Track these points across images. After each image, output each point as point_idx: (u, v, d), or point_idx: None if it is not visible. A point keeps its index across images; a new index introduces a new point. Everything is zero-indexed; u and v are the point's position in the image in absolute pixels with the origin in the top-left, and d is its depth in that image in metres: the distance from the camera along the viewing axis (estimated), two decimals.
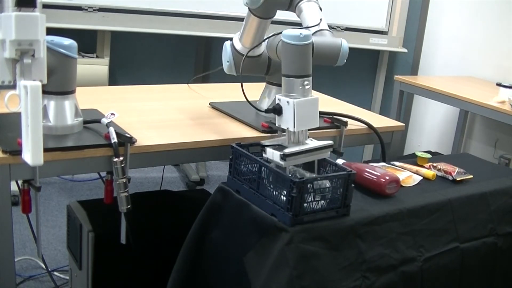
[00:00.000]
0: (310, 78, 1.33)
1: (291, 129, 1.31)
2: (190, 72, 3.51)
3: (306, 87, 1.31)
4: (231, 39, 1.77)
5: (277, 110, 1.32)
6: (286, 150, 1.28)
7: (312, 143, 1.35)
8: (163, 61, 3.48)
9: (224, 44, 1.77)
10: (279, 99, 1.32)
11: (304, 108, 1.31)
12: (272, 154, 1.29)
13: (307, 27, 1.50)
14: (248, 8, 1.64)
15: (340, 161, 1.54)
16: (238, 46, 1.73)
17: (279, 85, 1.80)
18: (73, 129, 1.44)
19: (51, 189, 3.08)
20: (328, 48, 1.53)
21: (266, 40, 1.57)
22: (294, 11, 1.62)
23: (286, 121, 1.31)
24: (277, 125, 1.35)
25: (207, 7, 3.15)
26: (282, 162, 1.27)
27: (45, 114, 1.40)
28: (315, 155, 1.35)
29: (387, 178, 1.45)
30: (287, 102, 1.30)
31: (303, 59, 1.31)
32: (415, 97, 4.03)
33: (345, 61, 1.56)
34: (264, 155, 1.33)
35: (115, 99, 1.90)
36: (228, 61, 1.73)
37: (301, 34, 1.28)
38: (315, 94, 1.64)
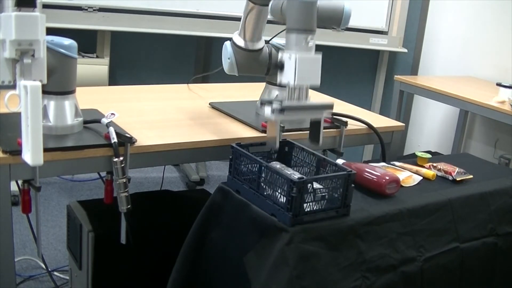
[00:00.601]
0: (314, 36, 1.33)
1: (291, 83, 1.31)
2: (190, 72, 3.51)
3: (310, 43, 1.32)
4: (231, 39, 1.77)
5: (279, 66, 1.33)
6: (285, 103, 1.28)
7: (311, 102, 1.34)
8: (163, 61, 3.49)
9: (224, 44, 1.77)
10: (281, 55, 1.33)
11: (306, 63, 1.31)
12: (270, 108, 1.28)
13: None
14: None
15: (340, 161, 1.54)
16: (239, 41, 1.71)
17: (279, 85, 1.81)
18: (73, 129, 1.44)
19: (51, 189, 3.08)
20: (331, 10, 1.54)
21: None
22: None
23: (287, 76, 1.31)
24: (278, 82, 1.35)
25: (207, 7, 3.15)
26: (280, 116, 1.27)
27: (45, 114, 1.40)
28: (314, 113, 1.36)
29: (387, 178, 1.45)
30: (289, 56, 1.30)
31: (308, 15, 1.32)
32: (415, 97, 4.03)
33: (347, 25, 1.57)
34: (261, 113, 1.29)
35: (115, 99, 1.90)
36: (229, 58, 1.71)
37: None
38: (315, 94, 1.65)
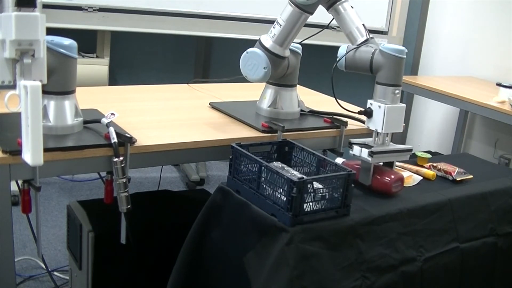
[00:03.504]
0: (400, 88, 1.52)
1: (379, 130, 1.49)
2: (190, 72, 3.51)
3: (397, 95, 1.50)
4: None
5: (368, 113, 1.51)
6: (374, 149, 1.46)
7: (394, 146, 1.53)
8: (163, 61, 3.48)
9: (249, 51, 1.68)
10: (371, 104, 1.51)
11: (393, 113, 1.49)
12: (360, 151, 1.47)
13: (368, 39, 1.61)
14: (293, 2, 1.62)
15: (339, 160, 1.54)
16: (276, 49, 1.66)
17: (278, 85, 1.82)
18: (73, 129, 1.44)
19: (51, 189, 3.08)
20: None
21: (345, 54, 1.62)
22: (328, 10, 1.68)
23: (375, 123, 1.51)
24: (366, 126, 1.55)
25: (207, 7, 3.14)
26: (369, 159, 1.45)
27: (45, 114, 1.40)
28: (396, 156, 1.53)
29: (393, 177, 1.47)
30: (379, 106, 1.49)
31: (398, 70, 1.51)
32: (415, 97, 4.02)
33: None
34: (350, 151, 1.51)
35: (115, 99, 1.90)
36: (265, 67, 1.65)
37: (402, 48, 1.50)
38: (315, 94, 1.65)
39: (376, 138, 1.52)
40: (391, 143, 1.54)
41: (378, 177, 1.49)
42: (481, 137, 3.63)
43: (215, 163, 3.77)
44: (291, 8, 1.63)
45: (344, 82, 3.99)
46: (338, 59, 1.63)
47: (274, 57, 1.67)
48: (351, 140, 1.52)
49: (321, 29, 1.91)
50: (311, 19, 1.66)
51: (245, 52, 1.69)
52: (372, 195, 1.46)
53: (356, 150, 1.49)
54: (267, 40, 1.67)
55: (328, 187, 1.29)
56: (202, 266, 1.44)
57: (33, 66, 1.15)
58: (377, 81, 1.53)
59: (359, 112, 1.55)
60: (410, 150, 1.54)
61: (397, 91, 1.50)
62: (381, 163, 1.55)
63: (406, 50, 1.53)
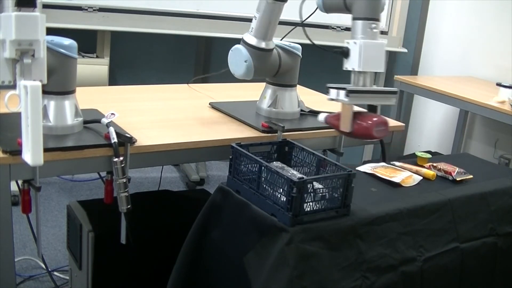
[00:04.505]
0: (378, 23, 1.40)
1: (356, 68, 1.38)
2: (190, 72, 3.51)
3: (374, 30, 1.38)
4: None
5: (344, 52, 1.39)
6: (351, 87, 1.34)
7: (376, 87, 1.40)
8: (163, 61, 3.48)
9: (233, 48, 1.71)
10: (347, 42, 1.40)
11: (370, 49, 1.38)
12: (337, 93, 1.36)
13: None
14: None
15: (322, 116, 1.51)
16: (253, 41, 1.68)
17: (279, 85, 1.82)
18: (73, 129, 1.44)
19: (51, 189, 3.08)
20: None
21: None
22: None
23: (352, 62, 1.38)
24: (344, 68, 1.41)
25: (207, 7, 3.14)
26: (346, 99, 1.33)
27: (45, 114, 1.40)
28: (378, 99, 1.40)
29: (375, 119, 1.37)
30: (354, 42, 1.38)
31: (374, 3, 1.39)
32: (415, 97, 4.02)
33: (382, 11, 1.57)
34: (327, 97, 1.38)
35: (115, 99, 1.90)
36: (246, 61, 1.67)
37: None
38: (315, 94, 1.65)
39: (355, 79, 1.39)
40: (374, 85, 1.42)
41: (359, 121, 1.39)
42: (481, 137, 3.63)
43: (215, 163, 3.77)
44: (263, 0, 1.64)
45: (344, 82, 4.00)
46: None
47: (255, 51, 1.68)
48: (328, 84, 1.40)
49: (293, 27, 1.89)
50: (310, 19, 1.66)
51: (230, 50, 1.72)
52: (372, 194, 1.46)
53: (332, 93, 1.37)
54: (247, 36, 1.71)
55: (328, 187, 1.29)
56: (202, 266, 1.44)
57: (33, 66, 1.15)
58: (353, 17, 1.42)
59: (335, 51, 1.42)
60: (395, 92, 1.40)
61: (373, 25, 1.38)
62: (364, 109, 1.45)
63: None
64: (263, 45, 1.69)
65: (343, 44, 1.42)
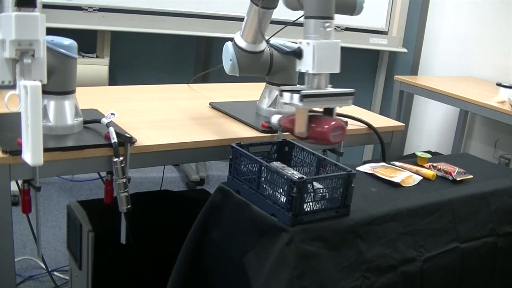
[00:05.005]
0: (332, 22, 1.30)
1: (310, 71, 1.29)
2: (190, 72, 3.51)
3: (328, 29, 1.29)
4: (232, 39, 1.77)
5: (297, 53, 1.30)
6: (305, 91, 1.25)
7: (332, 90, 1.31)
8: (163, 61, 3.48)
9: (225, 45, 1.75)
10: (300, 42, 1.30)
11: (325, 50, 1.29)
12: (291, 97, 1.27)
13: None
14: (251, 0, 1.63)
15: (275, 118, 1.44)
16: (241, 43, 1.70)
17: (280, 85, 1.81)
18: (73, 129, 1.44)
19: (51, 189, 3.08)
20: None
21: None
22: None
23: (305, 64, 1.29)
24: (297, 69, 1.33)
25: (207, 7, 3.14)
26: (300, 104, 1.24)
27: (45, 114, 1.40)
28: (334, 101, 1.32)
29: (332, 123, 1.30)
30: (307, 43, 1.29)
31: (327, 1, 1.30)
32: (415, 97, 4.03)
33: (360, 12, 1.53)
34: (281, 100, 1.30)
35: (115, 99, 1.90)
36: (231, 60, 1.69)
37: None
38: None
39: (310, 81, 1.31)
40: (329, 87, 1.33)
41: (314, 125, 1.32)
42: (481, 137, 3.63)
43: (215, 163, 3.77)
44: (250, 4, 1.64)
45: (344, 82, 4.00)
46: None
47: (242, 52, 1.69)
48: (282, 87, 1.32)
49: (284, 26, 1.88)
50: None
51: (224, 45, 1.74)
52: (372, 194, 1.46)
53: (286, 97, 1.28)
54: (237, 36, 1.73)
55: (328, 187, 1.29)
56: (202, 266, 1.44)
57: (33, 66, 1.15)
58: (305, 16, 1.33)
59: (287, 53, 1.36)
60: (352, 93, 1.32)
61: (327, 24, 1.29)
62: (320, 113, 1.38)
63: None
64: (250, 48, 1.70)
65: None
